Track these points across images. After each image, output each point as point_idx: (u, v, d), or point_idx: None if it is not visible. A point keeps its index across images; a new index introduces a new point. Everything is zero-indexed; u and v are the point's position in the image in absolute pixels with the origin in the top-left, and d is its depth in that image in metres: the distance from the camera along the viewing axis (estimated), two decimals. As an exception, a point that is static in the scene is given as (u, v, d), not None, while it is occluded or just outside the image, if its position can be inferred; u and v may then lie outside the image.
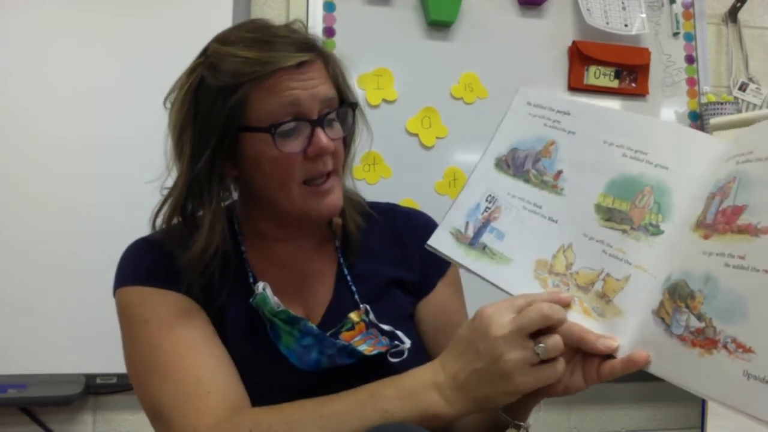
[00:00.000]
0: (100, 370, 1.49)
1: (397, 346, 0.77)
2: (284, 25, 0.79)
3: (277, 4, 1.76)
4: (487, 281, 0.70)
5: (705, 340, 0.53)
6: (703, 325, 0.54)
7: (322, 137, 0.74)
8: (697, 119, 1.93)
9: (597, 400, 1.87)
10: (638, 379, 1.86)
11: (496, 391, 0.60)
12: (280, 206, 0.78)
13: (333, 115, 0.77)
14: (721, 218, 0.56)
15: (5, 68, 1.53)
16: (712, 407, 1.63)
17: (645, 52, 1.89)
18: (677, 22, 1.94)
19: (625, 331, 0.61)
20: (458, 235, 0.74)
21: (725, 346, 0.52)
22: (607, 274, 0.63)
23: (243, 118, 0.74)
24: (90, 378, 1.50)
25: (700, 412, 1.80)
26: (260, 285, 0.75)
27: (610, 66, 1.86)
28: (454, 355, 0.64)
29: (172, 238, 0.77)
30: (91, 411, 1.58)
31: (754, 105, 1.94)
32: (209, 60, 0.75)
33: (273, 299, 0.74)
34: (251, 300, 0.74)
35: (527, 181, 0.72)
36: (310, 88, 0.74)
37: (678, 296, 0.57)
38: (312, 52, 0.76)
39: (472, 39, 1.82)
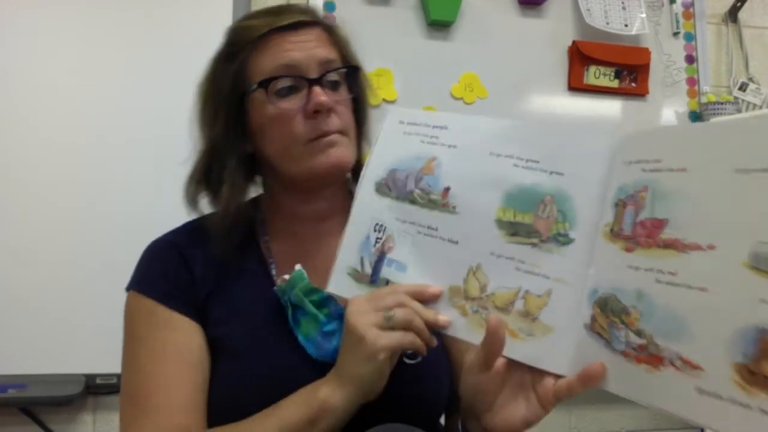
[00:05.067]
0: (100, 370, 1.49)
1: None
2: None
3: (277, 3, 1.76)
4: None
5: (649, 356, 0.52)
6: (644, 341, 0.53)
7: (320, 94, 0.74)
8: (698, 119, 1.93)
9: (597, 400, 1.87)
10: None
11: (359, 359, 0.63)
12: (289, 172, 0.78)
13: (336, 77, 0.78)
14: (642, 231, 0.54)
15: (5, 68, 1.53)
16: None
17: (645, 52, 1.89)
18: (677, 22, 1.94)
19: (560, 348, 0.59)
20: (356, 275, 0.69)
21: (672, 363, 0.51)
22: (527, 292, 0.60)
23: (245, 84, 0.77)
24: (90, 378, 1.50)
25: (700, 412, 1.80)
26: (297, 266, 0.75)
27: (610, 66, 1.86)
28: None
29: (191, 236, 0.79)
30: (91, 411, 1.58)
31: (754, 105, 1.95)
32: (224, 40, 0.81)
33: (308, 278, 0.75)
34: (276, 286, 0.75)
35: (413, 202, 0.67)
36: (307, 49, 0.76)
37: (611, 311, 0.56)
38: (309, 15, 0.79)
39: (472, 39, 1.82)
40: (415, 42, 1.79)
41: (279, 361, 0.74)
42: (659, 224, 0.53)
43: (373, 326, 0.62)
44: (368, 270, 0.69)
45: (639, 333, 0.53)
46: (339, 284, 0.70)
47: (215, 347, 0.76)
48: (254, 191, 0.88)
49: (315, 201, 0.83)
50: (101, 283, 1.47)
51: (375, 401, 0.67)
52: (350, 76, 0.81)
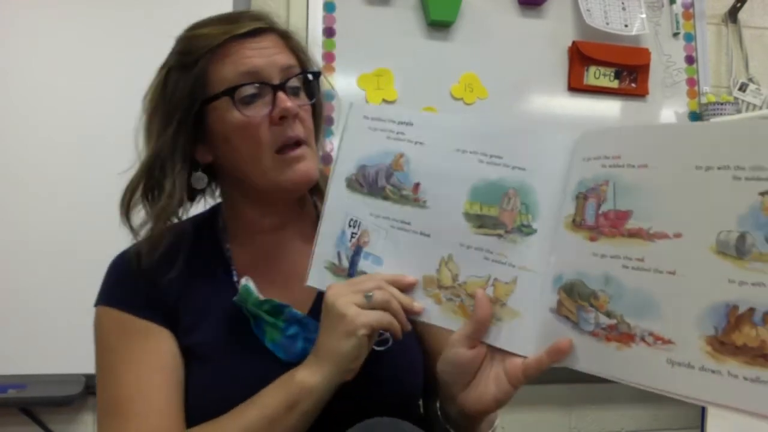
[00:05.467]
0: (100, 370, 1.49)
1: (382, 333, 0.78)
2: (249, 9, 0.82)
3: (277, 4, 1.76)
4: None
5: (620, 335, 0.57)
6: (614, 321, 0.57)
7: (285, 99, 0.75)
8: (698, 119, 1.93)
9: (597, 400, 1.88)
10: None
11: (337, 336, 0.65)
12: (255, 183, 0.78)
13: (296, 83, 0.79)
14: (605, 222, 0.59)
15: (5, 68, 1.54)
16: (711, 408, 1.64)
17: (645, 53, 1.89)
18: (677, 22, 1.94)
19: (526, 331, 0.63)
20: (334, 269, 0.72)
21: (643, 339, 0.55)
22: (495, 279, 0.65)
23: (205, 91, 0.76)
24: (90, 378, 1.49)
25: (699, 413, 1.80)
26: (243, 279, 0.75)
27: (610, 66, 1.87)
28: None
29: (153, 248, 0.78)
30: (91, 411, 1.58)
31: (754, 105, 1.95)
32: (175, 49, 0.79)
33: (256, 291, 0.75)
34: (234, 298, 0.75)
35: (386, 198, 0.71)
36: (268, 56, 0.76)
37: (578, 295, 0.60)
38: (265, 21, 0.78)
39: (472, 39, 1.82)
40: (415, 42, 1.79)
41: (250, 366, 0.75)
42: (624, 216, 0.58)
43: (353, 304, 0.65)
44: (345, 264, 0.72)
45: (609, 314, 0.58)
46: (317, 278, 0.73)
47: (187, 355, 0.76)
48: (209, 202, 0.88)
49: (275, 212, 0.83)
50: (101, 283, 1.48)
51: (352, 386, 0.68)
52: (309, 81, 0.81)
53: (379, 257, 0.71)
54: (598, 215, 0.59)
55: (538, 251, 0.63)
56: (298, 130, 0.77)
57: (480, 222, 0.66)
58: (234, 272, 0.81)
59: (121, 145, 0.79)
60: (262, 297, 0.75)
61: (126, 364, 0.74)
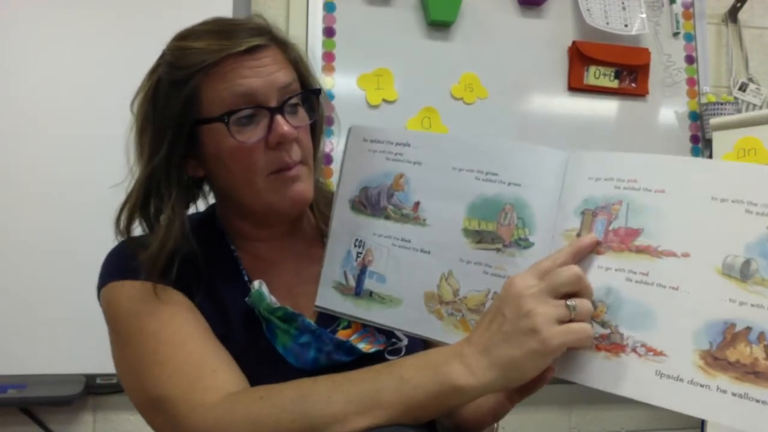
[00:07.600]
0: (100, 370, 1.49)
1: (395, 343, 0.76)
2: (244, 18, 0.78)
3: (277, 4, 1.76)
4: (386, 327, 0.72)
5: (611, 344, 0.59)
6: (608, 331, 0.60)
7: (283, 124, 0.71)
8: (697, 119, 1.93)
9: (597, 400, 1.87)
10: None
11: (524, 351, 0.56)
12: (247, 203, 0.76)
13: (296, 101, 0.75)
14: (614, 237, 0.62)
15: (5, 68, 1.53)
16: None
17: (645, 52, 1.89)
18: (677, 22, 1.94)
19: None
20: (341, 288, 0.74)
21: (634, 350, 0.58)
22: (495, 293, 0.65)
23: (197, 110, 0.72)
24: (90, 378, 1.50)
25: (699, 412, 1.80)
26: (256, 283, 0.74)
27: (610, 66, 1.86)
28: (481, 326, 0.61)
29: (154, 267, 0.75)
30: (91, 411, 1.58)
31: (754, 105, 1.95)
32: (166, 58, 0.75)
33: (270, 297, 0.73)
34: (246, 298, 0.73)
35: (388, 217, 0.73)
36: (265, 75, 0.72)
37: None
38: (264, 36, 0.74)
39: (472, 39, 1.82)
40: (415, 42, 1.79)
41: (261, 368, 0.72)
42: (634, 233, 0.61)
43: (552, 319, 0.57)
44: (352, 283, 0.74)
45: (603, 324, 0.60)
46: (326, 298, 0.75)
47: None
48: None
49: (270, 227, 0.81)
50: (101, 283, 1.47)
51: None
52: (309, 98, 0.78)
53: (383, 275, 0.72)
54: (608, 231, 0.62)
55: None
56: (295, 155, 0.74)
57: (479, 237, 0.67)
58: (244, 272, 0.79)
59: (121, 146, 0.79)
60: (276, 303, 0.73)
61: (160, 319, 0.70)
